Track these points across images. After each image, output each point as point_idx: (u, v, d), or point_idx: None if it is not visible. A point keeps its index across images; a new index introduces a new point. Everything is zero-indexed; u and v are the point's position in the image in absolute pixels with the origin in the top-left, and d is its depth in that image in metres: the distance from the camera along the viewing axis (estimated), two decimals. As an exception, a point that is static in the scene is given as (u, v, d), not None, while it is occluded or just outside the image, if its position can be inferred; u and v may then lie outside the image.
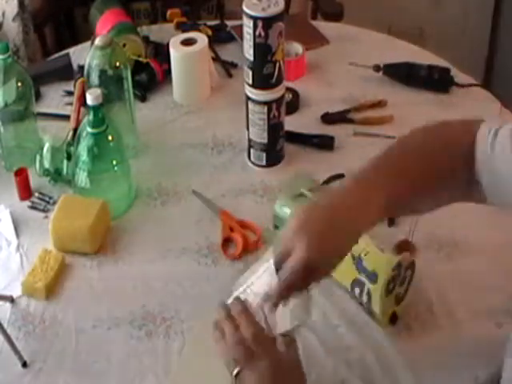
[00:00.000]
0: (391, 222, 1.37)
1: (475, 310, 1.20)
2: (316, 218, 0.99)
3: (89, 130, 1.34)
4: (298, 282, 0.98)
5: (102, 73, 1.47)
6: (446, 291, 1.24)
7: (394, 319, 1.19)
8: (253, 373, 0.95)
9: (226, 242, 1.35)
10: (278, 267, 1.00)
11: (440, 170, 1.06)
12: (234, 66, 1.79)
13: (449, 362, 1.12)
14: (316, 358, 1.15)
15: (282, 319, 1.00)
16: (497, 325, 1.18)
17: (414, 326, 1.19)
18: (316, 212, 1.00)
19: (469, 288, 1.23)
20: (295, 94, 1.67)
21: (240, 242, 1.33)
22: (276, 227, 1.34)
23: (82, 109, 1.49)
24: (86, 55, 1.51)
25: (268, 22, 1.34)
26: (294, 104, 1.65)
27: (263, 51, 1.37)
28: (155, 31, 1.91)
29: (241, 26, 1.38)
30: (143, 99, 1.70)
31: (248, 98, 1.45)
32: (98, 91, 1.33)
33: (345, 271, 1.19)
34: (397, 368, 1.13)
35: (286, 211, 1.32)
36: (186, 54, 1.65)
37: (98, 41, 1.46)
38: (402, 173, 1.05)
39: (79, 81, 1.52)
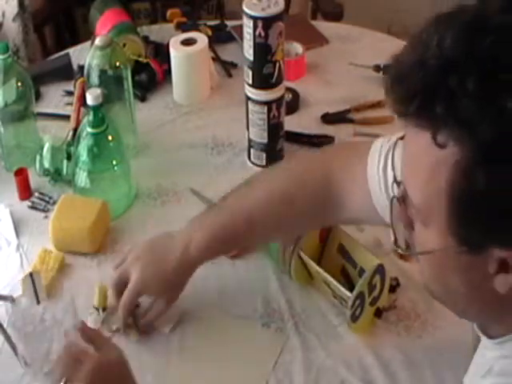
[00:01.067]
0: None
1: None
2: (152, 252, 1.18)
3: (89, 130, 1.34)
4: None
5: (102, 73, 1.47)
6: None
7: (379, 314, 1.20)
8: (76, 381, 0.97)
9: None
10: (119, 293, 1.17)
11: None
12: (234, 66, 1.79)
13: (448, 362, 1.12)
14: (316, 358, 1.15)
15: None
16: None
17: (414, 326, 1.19)
18: (156, 246, 1.20)
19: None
20: (295, 94, 1.67)
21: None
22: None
23: (82, 109, 1.49)
24: (86, 55, 1.51)
25: (268, 22, 1.34)
26: (294, 104, 1.65)
27: (263, 51, 1.37)
28: (155, 31, 1.91)
29: (241, 26, 1.39)
30: (143, 99, 1.70)
31: (248, 98, 1.45)
32: (98, 91, 1.33)
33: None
34: (396, 368, 1.13)
35: None
36: (186, 54, 1.65)
37: (98, 41, 1.46)
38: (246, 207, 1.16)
39: (79, 81, 1.52)
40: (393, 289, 1.24)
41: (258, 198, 1.15)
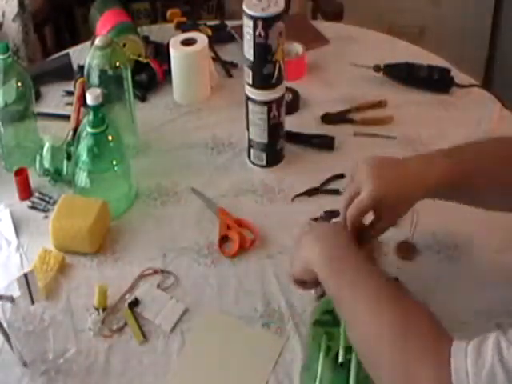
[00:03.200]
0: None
1: (475, 310, 1.20)
2: (385, 165, 1.12)
3: (89, 130, 1.34)
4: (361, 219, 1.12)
5: (102, 73, 1.47)
6: (446, 292, 1.23)
7: None
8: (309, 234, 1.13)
9: (223, 239, 1.35)
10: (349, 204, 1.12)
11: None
12: (234, 65, 1.79)
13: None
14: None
15: None
16: (497, 325, 1.18)
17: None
18: (386, 161, 1.13)
19: (469, 288, 1.23)
20: (295, 94, 1.67)
21: (236, 241, 1.33)
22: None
23: (82, 109, 1.49)
24: (86, 55, 1.51)
25: (268, 21, 1.34)
26: (294, 104, 1.65)
27: (263, 51, 1.37)
28: (155, 31, 1.91)
29: (241, 26, 1.38)
30: (143, 99, 1.71)
31: (248, 98, 1.45)
32: (98, 91, 1.33)
33: None
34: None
35: None
36: (186, 54, 1.65)
37: (98, 41, 1.46)
38: (479, 158, 1.13)
39: (79, 81, 1.52)
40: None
41: (499, 154, 1.14)
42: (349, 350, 1.08)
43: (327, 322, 1.14)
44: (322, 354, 1.10)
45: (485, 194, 1.14)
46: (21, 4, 2.14)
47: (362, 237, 1.14)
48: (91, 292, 1.24)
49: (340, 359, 1.07)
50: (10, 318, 1.15)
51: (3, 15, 2.13)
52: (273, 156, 1.51)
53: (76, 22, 2.62)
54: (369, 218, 1.14)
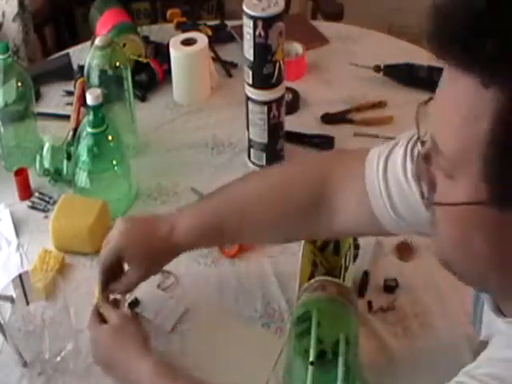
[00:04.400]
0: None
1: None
2: (136, 223, 1.16)
3: (89, 130, 1.34)
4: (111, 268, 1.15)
5: (102, 73, 1.47)
6: (445, 292, 1.23)
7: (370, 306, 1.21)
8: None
9: (223, 240, 1.36)
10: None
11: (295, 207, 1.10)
12: (234, 65, 1.79)
13: (447, 364, 1.12)
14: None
15: None
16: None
17: (413, 327, 1.19)
18: (138, 220, 1.17)
19: (468, 289, 1.23)
20: (295, 94, 1.67)
21: (236, 241, 1.33)
22: None
23: (82, 109, 1.49)
24: (86, 55, 1.52)
25: (268, 21, 1.34)
26: (294, 104, 1.65)
27: (263, 51, 1.37)
28: (155, 31, 1.91)
29: (241, 26, 1.38)
30: (143, 99, 1.71)
31: (248, 98, 1.45)
32: (98, 91, 1.33)
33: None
34: (395, 369, 1.13)
35: None
36: (186, 54, 1.65)
37: (98, 41, 1.46)
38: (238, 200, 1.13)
39: (79, 81, 1.52)
40: (391, 289, 1.24)
41: (253, 191, 1.12)
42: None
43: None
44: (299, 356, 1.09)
45: (243, 230, 1.14)
46: (21, 4, 2.15)
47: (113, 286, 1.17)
48: (91, 292, 1.24)
49: (310, 358, 1.04)
50: (10, 318, 1.15)
51: (3, 15, 2.13)
52: (273, 156, 1.50)
53: (76, 22, 2.62)
54: None
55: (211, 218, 1.12)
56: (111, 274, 1.16)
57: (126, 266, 1.16)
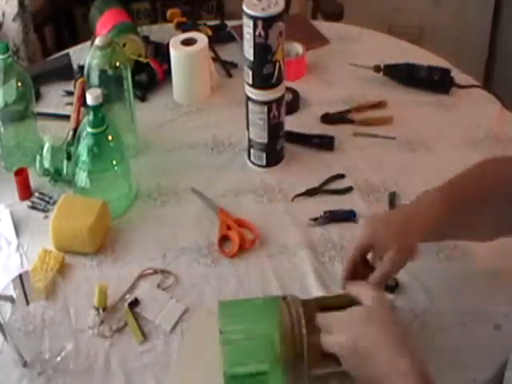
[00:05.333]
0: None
1: (474, 311, 1.20)
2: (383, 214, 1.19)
3: (89, 130, 1.34)
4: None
5: (102, 73, 1.47)
6: (445, 293, 1.23)
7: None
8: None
9: (223, 239, 1.36)
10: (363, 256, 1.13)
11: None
12: (234, 65, 1.79)
13: (447, 365, 1.12)
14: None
15: None
16: (495, 327, 1.18)
17: (413, 327, 1.19)
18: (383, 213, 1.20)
19: (468, 290, 1.23)
20: (295, 94, 1.67)
21: (236, 240, 1.33)
22: None
23: (82, 109, 1.49)
24: (86, 55, 1.51)
25: (268, 21, 1.34)
26: (294, 104, 1.65)
27: (263, 51, 1.37)
28: (155, 31, 1.91)
29: (241, 26, 1.38)
30: (143, 99, 1.71)
31: (248, 98, 1.45)
32: (98, 91, 1.33)
33: None
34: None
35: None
36: (186, 54, 1.65)
37: (98, 41, 1.46)
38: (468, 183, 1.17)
39: (79, 81, 1.52)
40: (391, 289, 1.24)
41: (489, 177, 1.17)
42: None
43: None
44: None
45: (482, 216, 1.15)
46: (21, 4, 2.14)
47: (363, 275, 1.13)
48: (91, 292, 1.24)
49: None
50: (10, 318, 1.15)
51: (3, 15, 2.13)
52: (273, 156, 1.51)
53: (76, 22, 2.62)
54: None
55: (457, 205, 1.14)
56: (356, 271, 1.12)
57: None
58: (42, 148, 1.46)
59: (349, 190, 1.45)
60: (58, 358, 1.14)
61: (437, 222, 1.12)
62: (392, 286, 1.24)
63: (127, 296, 1.25)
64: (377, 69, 1.72)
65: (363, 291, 1.05)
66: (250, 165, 1.52)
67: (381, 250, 1.11)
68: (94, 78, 1.47)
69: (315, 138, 1.57)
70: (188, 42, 1.66)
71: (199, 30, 1.77)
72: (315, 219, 1.38)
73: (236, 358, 1.08)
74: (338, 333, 1.00)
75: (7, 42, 1.45)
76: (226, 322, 1.12)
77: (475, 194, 1.16)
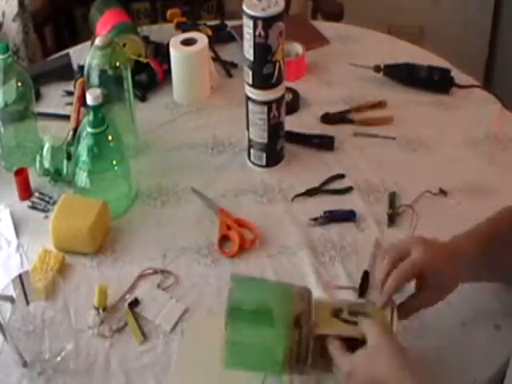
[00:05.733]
0: (391, 222, 1.37)
1: (474, 311, 1.20)
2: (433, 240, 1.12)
3: (89, 129, 1.34)
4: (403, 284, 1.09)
5: (102, 73, 1.47)
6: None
7: None
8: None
9: (223, 239, 1.36)
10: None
11: None
12: (234, 65, 1.79)
13: (447, 365, 1.12)
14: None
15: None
16: (495, 327, 1.18)
17: (413, 327, 1.19)
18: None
19: (468, 290, 1.23)
20: (295, 94, 1.67)
21: (236, 240, 1.33)
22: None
23: (82, 109, 1.49)
24: (86, 55, 1.52)
25: (268, 21, 1.34)
26: (294, 104, 1.65)
27: (263, 51, 1.37)
28: (155, 31, 1.91)
29: (241, 26, 1.38)
30: (143, 99, 1.71)
31: (248, 98, 1.45)
32: (98, 91, 1.33)
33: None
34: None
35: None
36: (186, 54, 1.65)
37: (98, 41, 1.46)
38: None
39: (79, 81, 1.52)
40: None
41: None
42: None
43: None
44: None
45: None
46: (21, 4, 2.14)
47: (400, 310, 1.09)
48: (91, 292, 1.24)
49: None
50: (10, 318, 1.15)
51: (3, 15, 2.13)
52: (273, 156, 1.51)
53: (76, 22, 2.62)
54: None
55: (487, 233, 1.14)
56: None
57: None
58: (42, 148, 1.46)
59: (349, 189, 1.45)
60: (58, 358, 1.14)
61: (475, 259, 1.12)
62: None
63: (127, 296, 1.26)
64: (377, 69, 1.72)
65: (371, 331, 1.02)
66: (250, 165, 1.52)
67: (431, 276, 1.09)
68: (94, 78, 1.47)
69: (315, 137, 1.57)
70: (188, 42, 1.66)
71: (199, 30, 1.77)
72: (315, 219, 1.38)
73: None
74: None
75: (7, 42, 1.45)
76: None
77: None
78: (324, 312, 1.05)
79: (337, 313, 1.05)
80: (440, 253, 1.10)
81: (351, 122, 1.62)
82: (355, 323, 1.04)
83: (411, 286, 1.13)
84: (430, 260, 1.08)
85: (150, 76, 1.72)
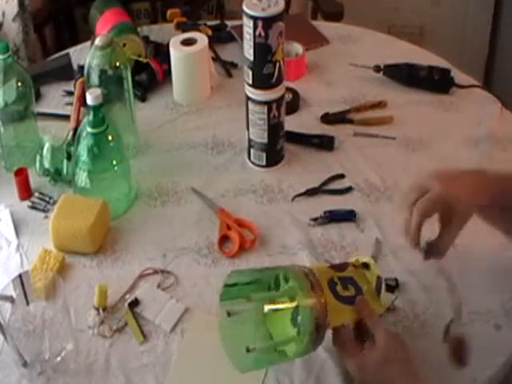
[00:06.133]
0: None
1: (474, 311, 1.20)
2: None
3: (89, 129, 1.34)
4: (429, 214, 1.09)
5: (102, 73, 1.47)
6: (445, 293, 1.23)
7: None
8: None
9: (223, 239, 1.36)
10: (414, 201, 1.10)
11: None
12: (234, 65, 1.79)
13: (447, 365, 1.12)
14: (316, 358, 1.15)
15: None
16: (495, 327, 1.18)
17: (413, 327, 1.19)
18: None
19: (468, 290, 1.23)
20: (295, 94, 1.67)
21: (236, 240, 1.33)
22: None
23: (82, 109, 1.49)
24: (86, 55, 1.52)
25: (268, 21, 1.34)
26: (294, 104, 1.65)
27: (263, 51, 1.37)
28: (155, 31, 1.91)
29: (241, 26, 1.38)
30: (143, 99, 1.71)
31: (248, 98, 1.45)
32: (98, 91, 1.33)
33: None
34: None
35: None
36: (186, 54, 1.65)
37: (98, 41, 1.47)
38: None
39: (79, 81, 1.52)
40: (392, 289, 1.24)
41: None
42: None
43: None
44: None
45: None
46: (21, 4, 2.14)
47: (430, 250, 1.12)
48: (91, 292, 1.24)
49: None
50: (10, 318, 1.15)
51: (3, 15, 2.13)
52: (273, 156, 1.51)
53: (76, 22, 2.62)
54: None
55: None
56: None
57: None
58: (42, 148, 1.46)
59: (349, 189, 1.45)
60: (58, 358, 1.15)
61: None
62: (392, 286, 1.24)
63: (127, 296, 1.26)
64: (377, 69, 1.72)
65: (378, 329, 1.06)
66: (250, 165, 1.52)
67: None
68: (94, 78, 1.47)
69: (315, 137, 1.57)
70: (188, 42, 1.66)
71: (199, 30, 1.77)
72: (315, 219, 1.38)
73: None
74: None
75: (7, 42, 1.45)
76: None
77: None
78: (323, 281, 1.08)
79: (331, 284, 1.09)
80: (456, 178, 1.11)
81: (351, 122, 1.62)
82: (352, 297, 1.09)
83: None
84: (446, 188, 1.09)
85: (150, 76, 1.72)
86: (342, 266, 1.15)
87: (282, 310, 1.07)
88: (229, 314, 1.08)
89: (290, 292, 1.06)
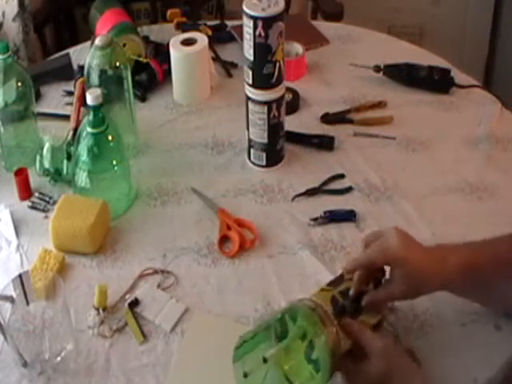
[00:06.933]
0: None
1: (474, 311, 1.20)
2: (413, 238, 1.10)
3: (89, 129, 1.34)
4: (371, 266, 1.09)
5: (102, 73, 1.47)
6: (445, 293, 1.23)
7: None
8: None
9: (223, 239, 1.36)
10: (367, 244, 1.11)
11: None
12: (234, 65, 1.79)
13: (447, 365, 1.12)
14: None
15: None
16: (496, 327, 1.18)
17: (413, 328, 1.19)
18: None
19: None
20: (295, 94, 1.67)
21: (236, 240, 1.33)
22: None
23: (82, 109, 1.49)
24: (86, 55, 1.52)
25: (268, 21, 1.34)
26: (294, 104, 1.65)
27: (263, 51, 1.37)
28: (155, 31, 1.91)
29: (241, 26, 1.38)
30: (143, 99, 1.71)
31: (248, 98, 1.45)
32: (98, 91, 1.33)
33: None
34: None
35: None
36: (186, 54, 1.65)
37: (98, 41, 1.47)
38: (490, 246, 1.11)
39: (79, 81, 1.52)
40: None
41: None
42: None
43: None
44: None
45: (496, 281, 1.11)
46: (21, 4, 2.14)
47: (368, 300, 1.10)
48: (91, 292, 1.24)
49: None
50: (10, 318, 1.15)
51: (3, 15, 2.13)
52: (273, 156, 1.51)
53: (76, 22, 2.62)
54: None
55: (476, 256, 1.10)
56: (367, 275, 1.10)
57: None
58: (42, 148, 1.46)
59: (349, 189, 1.45)
60: (58, 358, 1.15)
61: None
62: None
63: (127, 296, 1.26)
64: (377, 69, 1.72)
65: (369, 343, 1.03)
66: (250, 165, 1.52)
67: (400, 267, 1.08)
68: (94, 78, 1.47)
69: (315, 138, 1.57)
70: (188, 42, 1.66)
71: (199, 30, 1.77)
72: (315, 219, 1.38)
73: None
74: None
75: (7, 42, 1.45)
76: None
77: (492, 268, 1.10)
78: (327, 305, 1.08)
79: (334, 301, 1.10)
80: (421, 250, 1.08)
81: (351, 122, 1.62)
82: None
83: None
84: (402, 249, 1.07)
85: (150, 76, 1.72)
86: (338, 280, 1.14)
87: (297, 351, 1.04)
88: (245, 375, 1.04)
89: (300, 331, 1.03)
